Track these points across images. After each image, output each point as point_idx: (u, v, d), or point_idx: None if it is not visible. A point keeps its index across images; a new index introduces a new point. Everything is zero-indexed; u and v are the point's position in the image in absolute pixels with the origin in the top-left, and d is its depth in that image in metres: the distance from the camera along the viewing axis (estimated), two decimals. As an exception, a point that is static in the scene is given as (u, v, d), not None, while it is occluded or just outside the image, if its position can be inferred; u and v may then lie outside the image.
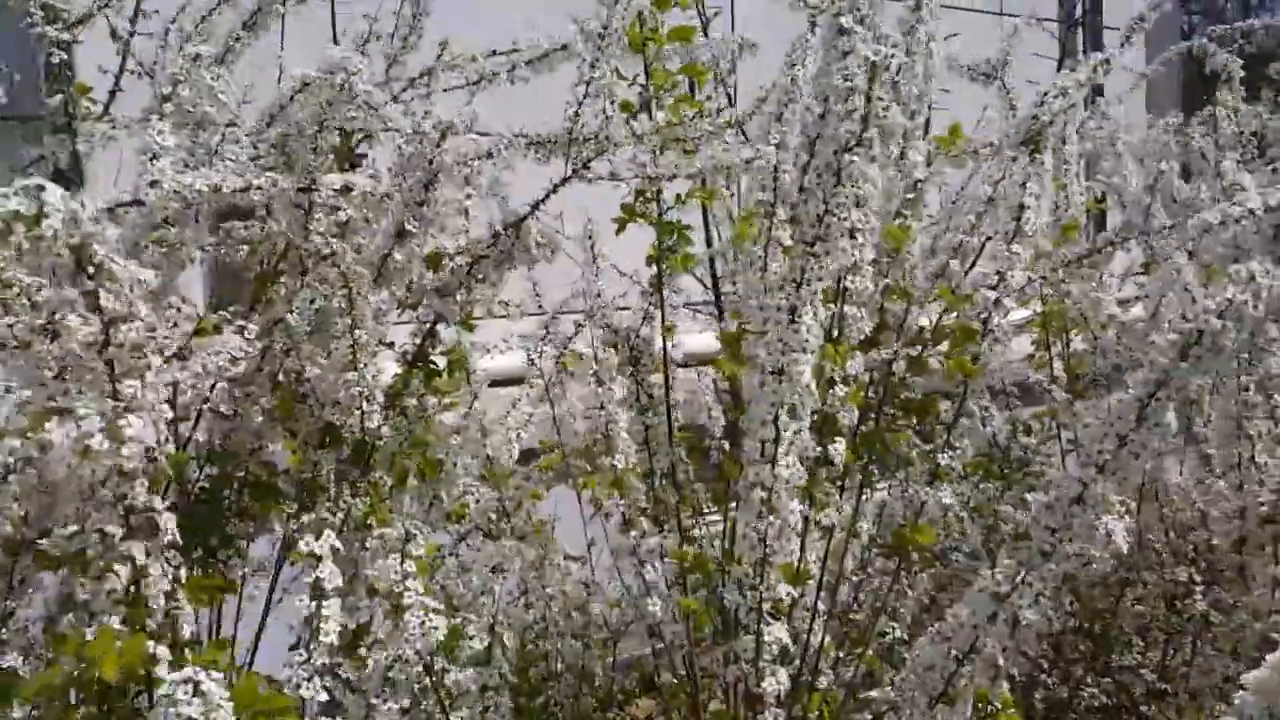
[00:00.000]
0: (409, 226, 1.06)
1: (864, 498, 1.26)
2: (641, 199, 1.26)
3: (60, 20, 1.40)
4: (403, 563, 1.07)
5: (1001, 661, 0.94)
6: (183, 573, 0.81)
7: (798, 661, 1.30)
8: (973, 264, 1.28)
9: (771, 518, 0.88)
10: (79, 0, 1.43)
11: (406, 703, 0.90)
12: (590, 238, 1.47)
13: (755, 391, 0.88)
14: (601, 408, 1.26)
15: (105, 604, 0.74)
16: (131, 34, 1.46)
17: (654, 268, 1.31)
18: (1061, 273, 1.67)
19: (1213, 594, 1.42)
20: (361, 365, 1.10)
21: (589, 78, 1.04)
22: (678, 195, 1.28)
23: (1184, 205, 1.71)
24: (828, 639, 1.40)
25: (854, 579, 1.53)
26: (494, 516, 1.67)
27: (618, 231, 1.31)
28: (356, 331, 1.07)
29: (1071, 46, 3.14)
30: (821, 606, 1.33)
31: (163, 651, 0.77)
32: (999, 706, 1.06)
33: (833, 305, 1.08)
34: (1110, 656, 1.47)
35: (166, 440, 0.83)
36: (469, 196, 1.17)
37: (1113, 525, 0.97)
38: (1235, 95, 1.71)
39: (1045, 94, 1.28)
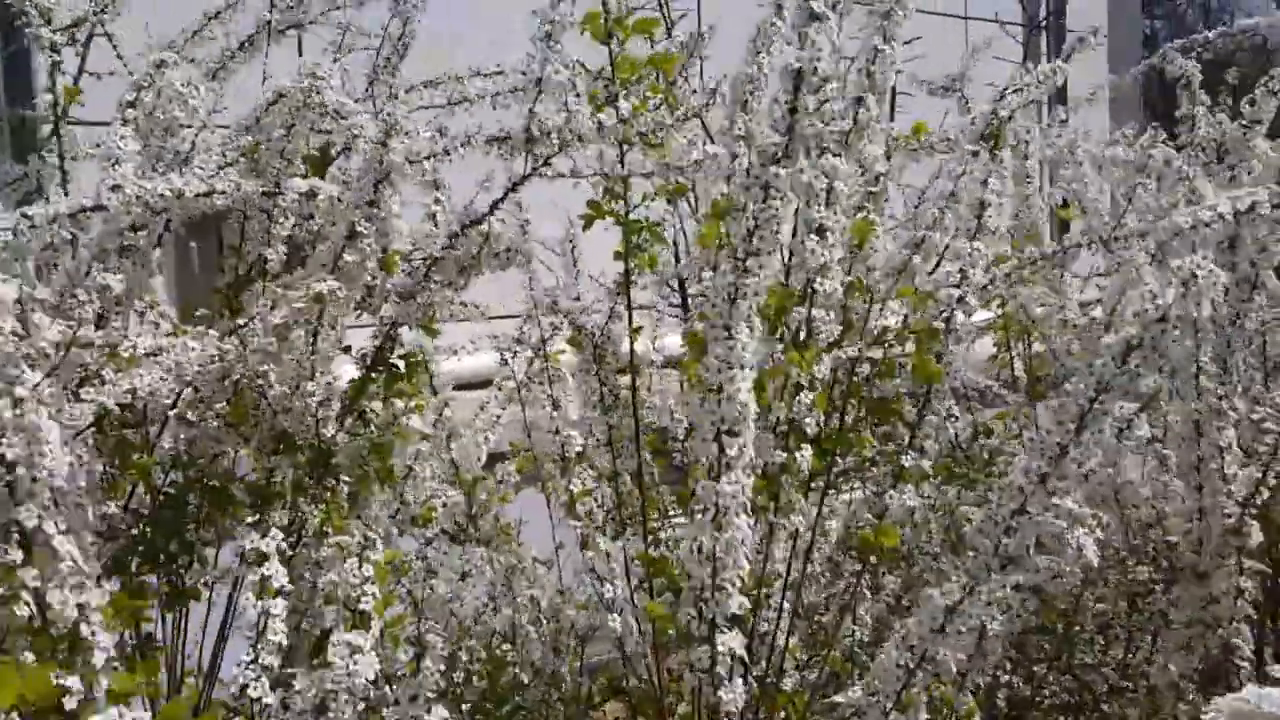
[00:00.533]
0: (359, 227, 1.03)
1: (829, 499, 1.25)
2: (609, 196, 1.24)
3: (52, 22, 1.37)
4: (360, 568, 1.05)
5: (956, 669, 0.93)
6: (94, 597, 0.77)
7: (763, 663, 1.29)
8: (937, 264, 1.28)
9: (719, 534, 0.87)
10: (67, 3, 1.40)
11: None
12: (572, 241, 1.45)
13: (695, 410, 0.87)
14: (555, 407, 1.24)
15: (13, 632, 0.71)
16: (91, 35, 1.42)
17: (622, 266, 1.28)
18: (1022, 274, 1.68)
19: (1171, 593, 1.43)
20: (319, 373, 1.08)
21: (539, 75, 1.02)
22: (644, 194, 1.26)
23: (1144, 212, 1.73)
24: (794, 640, 1.39)
25: (822, 580, 1.53)
26: (461, 520, 1.65)
27: (584, 229, 1.28)
28: (318, 340, 1.05)
29: (1035, 49, 3.18)
30: (788, 607, 1.32)
31: (74, 682, 0.74)
32: (963, 715, 1.06)
33: (800, 309, 1.07)
34: (1072, 655, 1.48)
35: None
36: (437, 201, 1.15)
37: (1083, 540, 0.97)
38: (1195, 101, 1.73)
39: (1004, 90, 1.28)
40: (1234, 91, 1.79)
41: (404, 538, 1.59)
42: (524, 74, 1.06)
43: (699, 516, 0.89)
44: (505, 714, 1.53)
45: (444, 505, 1.62)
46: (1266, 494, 1.30)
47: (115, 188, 0.94)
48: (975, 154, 1.19)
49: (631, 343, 1.29)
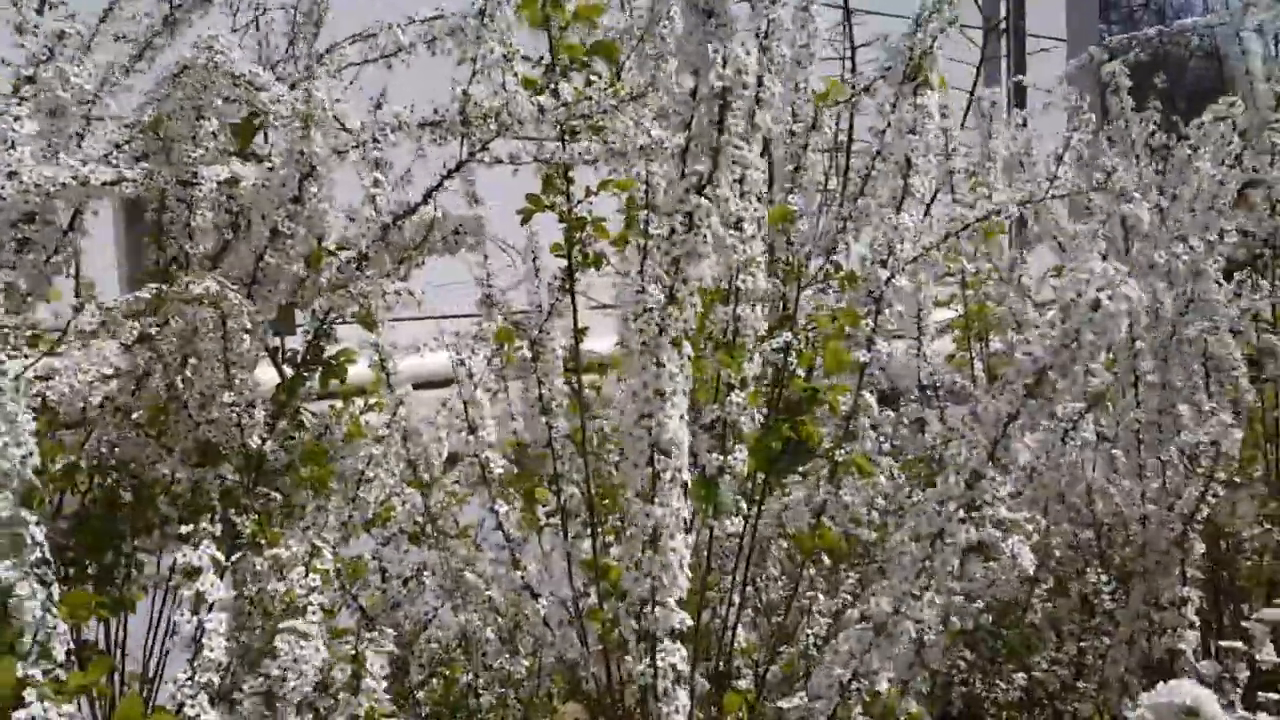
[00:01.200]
0: (282, 227, 0.99)
1: (769, 498, 1.22)
2: (549, 188, 1.19)
3: None
4: (306, 577, 1.02)
5: (896, 677, 0.91)
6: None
7: (719, 663, 1.27)
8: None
9: (655, 555, 0.84)
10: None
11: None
12: (535, 235, 1.40)
13: (626, 436, 0.84)
14: (472, 431, 1.20)
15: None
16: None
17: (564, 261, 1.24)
18: (983, 272, 1.67)
19: (1119, 596, 1.43)
20: (238, 379, 1.03)
21: (474, 55, 0.97)
22: (587, 188, 1.22)
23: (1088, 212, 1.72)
24: (750, 639, 1.37)
25: (779, 580, 1.51)
26: (420, 521, 1.61)
27: (523, 222, 1.24)
28: (231, 342, 1.00)
29: (994, 51, 3.17)
30: (740, 607, 1.30)
31: (35, 674, 0.74)
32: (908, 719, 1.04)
33: (726, 307, 1.04)
34: (1024, 655, 1.47)
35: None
36: (376, 183, 1.10)
37: (1019, 548, 0.95)
38: (1125, 104, 1.72)
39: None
40: (1165, 96, 1.79)
41: (361, 540, 1.56)
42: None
43: (633, 538, 0.86)
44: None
45: (403, 505, 1.59)
46: (1207, 511, 1.30)
47: (11, 174, 0.89)
48: (895, 102, 1.12)
49: (577, 342, 1.25)
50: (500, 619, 1.42)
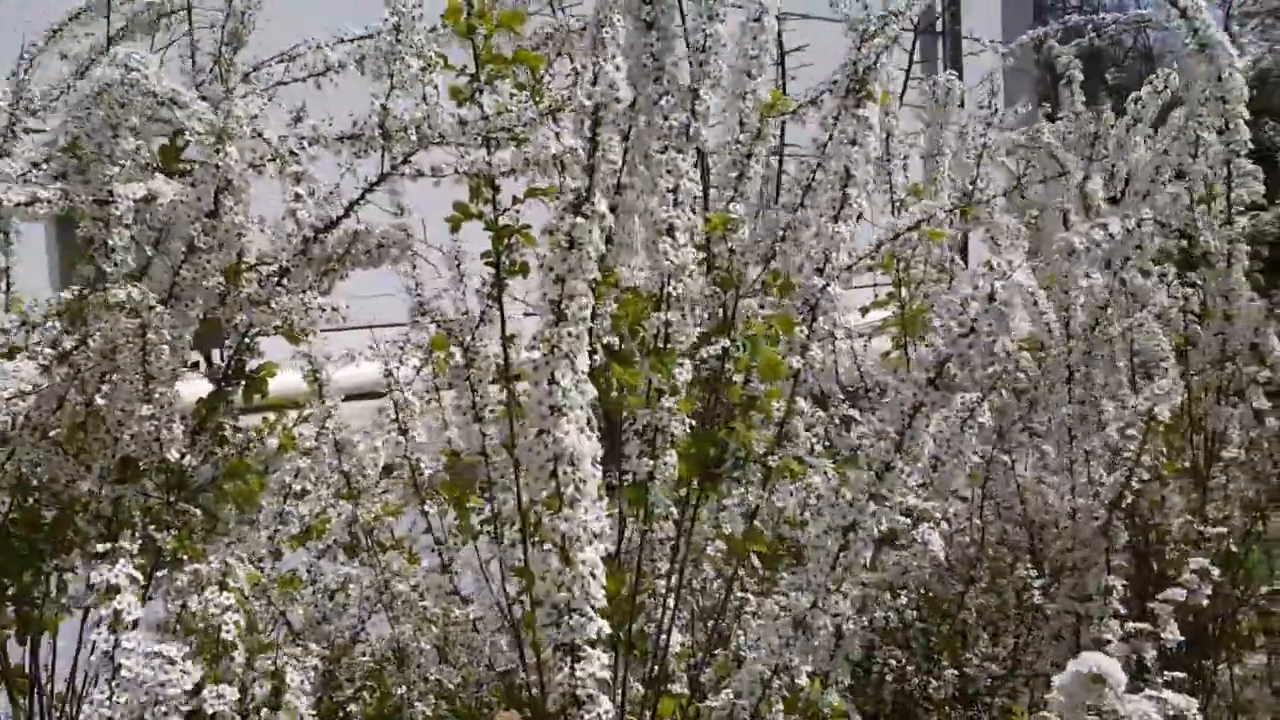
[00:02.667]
0: (198, 242, 0.97)
1: (705, 502, 1.23)
2: (476, 198, 1.19)
3: None
4: (220, 594, 1.00)
5: (816, 670, 0.93)
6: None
7: (654, 667, 1.28)
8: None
9: (566, 567, 0.85)
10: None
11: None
12: (457, 242, 1.39)
13: (525, 452, 0.84)
14: (403, 432, 1.19)
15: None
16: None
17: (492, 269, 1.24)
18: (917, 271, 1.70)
19: (1051, 587, 1.47)
20: (158, 393, 1.01)
21: (390, 70, 0.97)
22: (514, 196, 1.22)
23: (1025, 207, 1.76)
24: (685, 643, 1.38)
25: (713, 584, 1.52)
26: (355, 533, 1.60)
27: (452, 231, 1.23)
28: (149, 361, 0.98)
29: (932, 55, 3.23)
30: (674, 610, 1.31)
31: None
32: (831, 713, 1.05)
33: (658, 314, 1.04)
34: (956, 651, 1.50)
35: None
36: (297, 197, 1.09)
37: (928, 535, 0.97)
38: (1076, 98, 1.76)
39: (863, 33, 1.24)
40: (1113, 90, 1.84)
41: (299, 554, 1.54)
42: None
43: (547, 555, 0.86)
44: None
45: (339, 517, 1.57)
46: (1131, 497, 1.33)
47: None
48: (838, 115, 1.15)
49: (505, 349, 1.25)
50: (434, 628, 1.42)
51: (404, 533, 1.61)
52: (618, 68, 0.84)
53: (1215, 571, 1.07)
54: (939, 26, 3.74)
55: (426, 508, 1.23)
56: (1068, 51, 1.82)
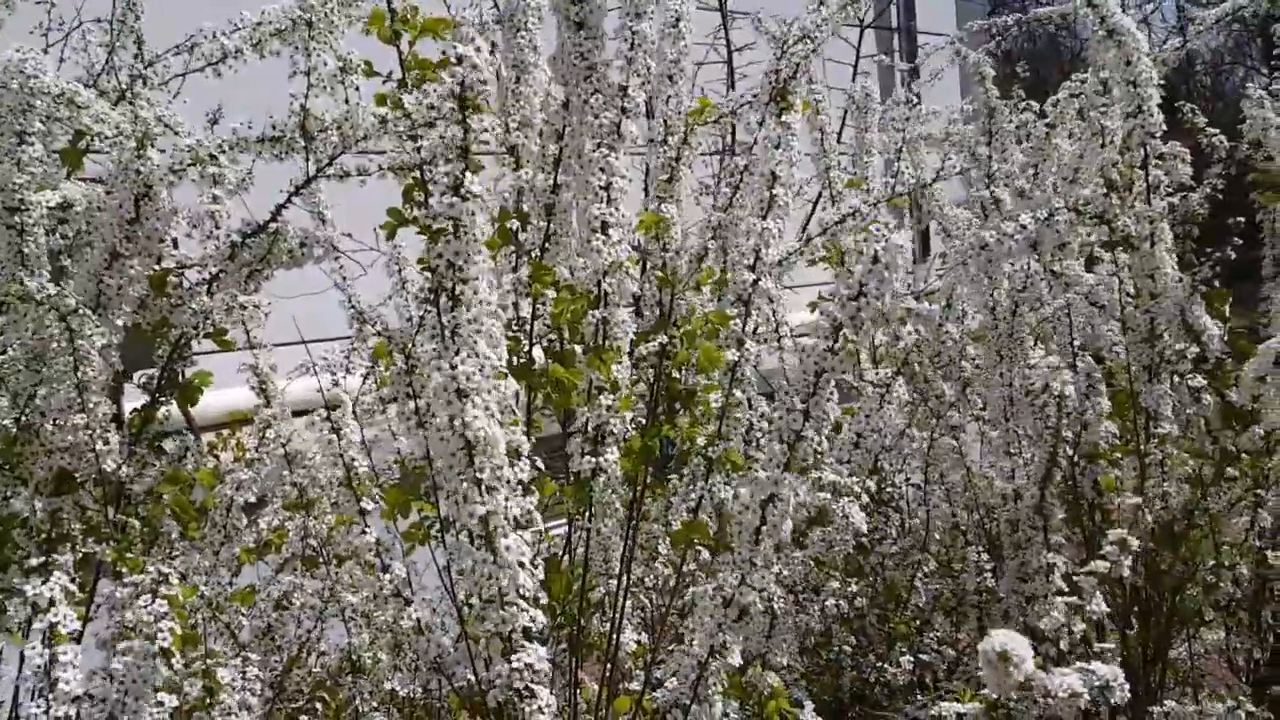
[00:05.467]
0: (120, 249, 0.97)
1: (657, 499, 1.25)
2: (409, 201, 1.19)
3: None
4: (154, 602, 1.00)
5: (753, 653, 0.93)
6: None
7: (608, 665, 1.28)
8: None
9: (491, 556, 0.85)
10: None
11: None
12: (399, 248, 1.39)
13: (435, 443, 0.85)
14: (335, 430, 1.19)
15: None
16: None
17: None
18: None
19: (1001, 569, 1.48)
20: (90, 404, 1.00)
21: (307, 68, 0.97)
22: (448, 198, 1.22)
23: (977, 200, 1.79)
24: (640, 640, 1.38)
25: (665, 579, 1.53)
26: (313, 545, 1.59)
27: (389, 237, 1.24)
28: (80, 370, 0.98)
29: (886, 48, 3.29)
30: (629, 607, 1.31)
31: None
32: (771, 693, 1.06)
33: (595, 311, 1.05)
34: (911, 636, 1.51)
35: None
36: (215, 200, 1.08)
37: (849, 508, 0.99)
38: (989, 92, 1.79)
39: (784, 43, 1.27)
40: (1030, 85, 1.88)
41: (254, 568, 1.52)
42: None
43: (462, 539, 0.86)
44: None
45: (297, 530, 1.56)
46: (1061, 473, 1.35)
47: None
48: (762, 120, 1.17)
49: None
50: (386, 637, 1.41)
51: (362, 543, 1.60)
52: (477, 49, 0.85)
53: (1135, 542, 1.09)
54: (894, 23, 3.80)
55: (365, 505, 1.22)
56: (977, 52, 1.86)
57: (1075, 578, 1.11)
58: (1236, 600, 1.59)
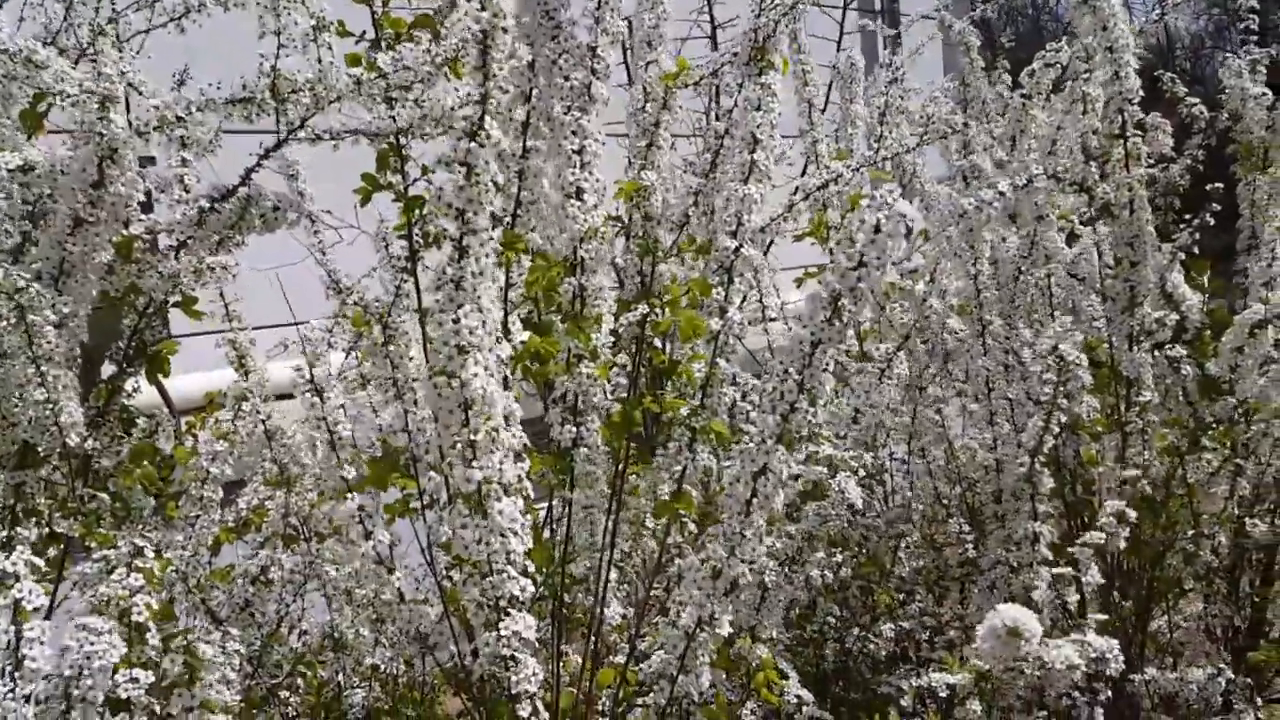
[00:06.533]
0: (84, 214, 0.94)
1: (645, 472, 1.23)
2: (383, 167, 1.17)
3: None
4: (129, 575, 0.98)
5: (743, 625, 0.93)
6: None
7: (593, 639, 1.27)
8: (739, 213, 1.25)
9: (483, 520, 0.83)
10: None
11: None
12: (383, 222, 1.36)
13: (432, 398, 0.83)
14: (319, 393, 1.16)
15: None
16: None
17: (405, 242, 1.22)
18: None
19: (982, 542, 1.48)
20: (50, 377, 0.97)
21: (277, 27, 0.94)
22: (424, 166, 1.19)
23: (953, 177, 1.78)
24: (625, 614, 1.37)
25: (651, 551, 1.52)
26: (294, 524, 1.57)
27: (362, 203, 1.21)
28: (35, 345, 0.95)
29: (871, 15, 3.28)
30: (615, 578, 1.30)
31: None
32: (760, 665, 1.06)
33: (571, 279, 1.04)
34: (894, 607, 1.51)
35: None
36: (184, 163, 1.05)
37: (845, 483, 0.98)
38: (974, 66, 1.79)
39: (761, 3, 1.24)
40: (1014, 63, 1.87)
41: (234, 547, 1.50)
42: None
43: (457, 505, 0.85)
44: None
45: (279, 509, 1.54)
46: (1052, 441, 1.35)
47: None
48: (742, 82, 1.15)
49: (423, 322, 1.23)
50: (367, 611, 1.39)
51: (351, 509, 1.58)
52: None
53: (1132, 514, 1.09)
54: (877, 4, 3.79)
55: (344, 473, 1.20)
56: (962, 21, 1.86)
57: (1069, 549, 1.11)
58: (1215, 569, 1.60)
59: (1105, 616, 1.06)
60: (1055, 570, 1.09)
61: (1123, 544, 1.18)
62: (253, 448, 1.46)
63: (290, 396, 1.68)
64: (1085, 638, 0.98)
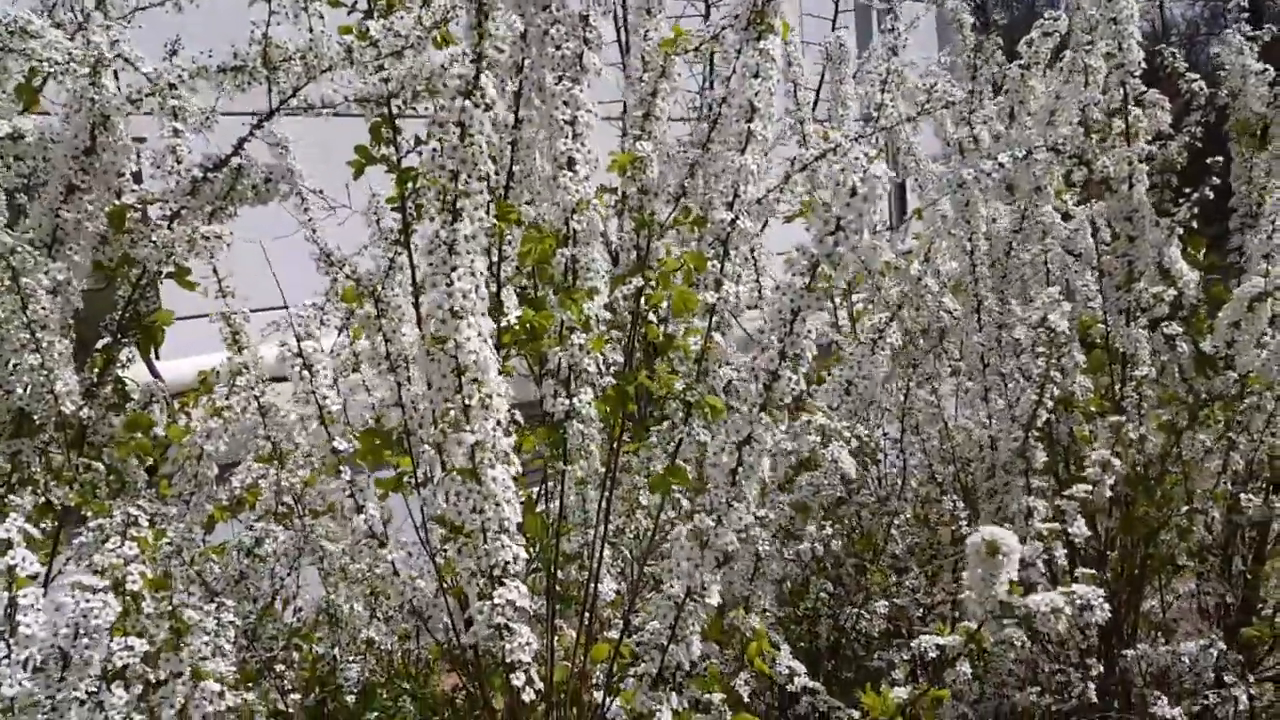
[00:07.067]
0: (77, 182, 0.93)
1: (625, 453, 1.23)
2: (376, 139, 1.16)
3: None
4: (124, 544, 0.98)
5: (735, 595, 0.93)
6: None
7: (587, 613, 1.27)
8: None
9: (474, 485, 0.83)
10: None
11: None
12: (376, 196, 1.35)
13: (425, 364, 0.83)
14: (308, 368, 1.16)
15: None
16: None
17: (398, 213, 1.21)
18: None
19: (976, 520, 1.49)
20: (45, 344, 0.97)
21: (267, -3, 0.93)
22: (416, 136, 1.19)
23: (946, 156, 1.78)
24: (619, 589, 1.38)
25: (646, 526, 1.52)
26: (287, 501, 1.57)
27: (355, 175, 1.20)
28: (29, 308, 0.94)
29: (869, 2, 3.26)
30: (609, 554, 1.30)
31: None
32: (754, 636, 1.06)
33: (564, 250, 1.03)
34: (887, 583, 1.52)
35: None
36: (176, 133, 1.05)
37: (839, 453, 0.98)
38: (966, 41, 1.78)
39: None
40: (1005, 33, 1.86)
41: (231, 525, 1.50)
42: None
43: (450, 473, 0.85)
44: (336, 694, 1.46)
45: (270, 486, 1.54)
46: (1046, 415, 1.35)
47: None
48: (740, 48, 1.13)
49: (417, 295, 1.22)
50: (362, 585, 1.40)
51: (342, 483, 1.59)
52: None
53: (1117, 463, 1.09)
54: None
55: (338, 444, 1.20)
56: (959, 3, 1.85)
57: (1059, 504, 1.11)
58: (1208, 546, 1.61)
59: (1093, 571, 1.06)
60: (1045, 525, 1.09)
61: (1109, 492, 1.18)
62: (247, 428, 1.47)
63: (285, 379, 1.68)
64: (1072, 588, 0.98)
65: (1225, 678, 1.41)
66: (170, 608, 0.94)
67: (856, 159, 0.84)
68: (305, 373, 1.10)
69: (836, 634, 1.50)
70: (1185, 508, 1.55)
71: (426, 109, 1.06)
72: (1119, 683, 1.45)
